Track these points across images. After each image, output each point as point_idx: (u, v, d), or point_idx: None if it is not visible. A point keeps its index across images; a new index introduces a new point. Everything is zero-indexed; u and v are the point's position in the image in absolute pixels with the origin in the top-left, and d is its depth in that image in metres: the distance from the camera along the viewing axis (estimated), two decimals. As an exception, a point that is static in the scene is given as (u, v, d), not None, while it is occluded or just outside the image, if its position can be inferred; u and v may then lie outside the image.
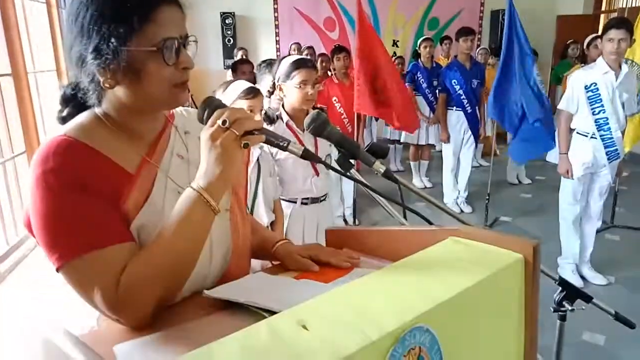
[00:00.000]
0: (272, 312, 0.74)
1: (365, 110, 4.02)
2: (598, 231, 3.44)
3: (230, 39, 7.15)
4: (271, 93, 2.15)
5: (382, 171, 0.99)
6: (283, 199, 2.15)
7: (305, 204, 2.20)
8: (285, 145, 0.85)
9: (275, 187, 2.06)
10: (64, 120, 0.93)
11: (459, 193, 4.79)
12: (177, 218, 0.81)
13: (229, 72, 5.23)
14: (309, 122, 0.98)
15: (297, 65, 2.05)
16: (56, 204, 0.78)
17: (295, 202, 2.18)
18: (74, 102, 0.94)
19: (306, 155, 0.86)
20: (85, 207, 0.79)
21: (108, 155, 0.85)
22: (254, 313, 0.78)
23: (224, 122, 0.78)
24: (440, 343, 0.63)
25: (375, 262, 1.01)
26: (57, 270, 0.80)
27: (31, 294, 1.76)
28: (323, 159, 2.16)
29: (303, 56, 2.53)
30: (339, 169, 0.95)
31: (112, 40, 0.79)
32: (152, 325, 0.80)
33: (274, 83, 2.12)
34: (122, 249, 0.80)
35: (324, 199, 2.27)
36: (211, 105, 0.85)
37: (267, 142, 0.85)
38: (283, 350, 0.54)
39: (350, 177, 0.96)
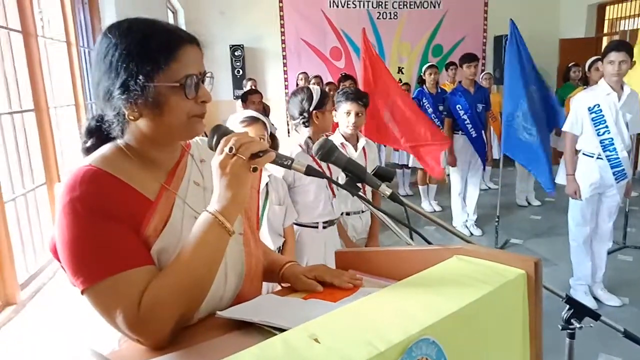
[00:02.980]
0: (283, 331, 0.77)
1: (370, 136, 4.09)
2: (610, 252, 3.41)
3: (240, 70, 7.35)
4: (307, 122, 2.21)
5: (389, 194, 1.03)
6: (304, 225, 2.20)
7: (326, 227, 2.25)
8: (289, 163, 0.91)
9: (285, 213, 2.10)
10: (87, 150, 0.99)
11: (467, 216, 4.79)
12: (194, 241, 0.85)
13: (239, 102, 5.37)
14: (318, 149, 1.03)
15: (327, 93, 2.26)
16: (82, 229, 0.83)
17: (317, 227, 2.23)
18: (97, 133, 1.00)
19: (309, 171, 0.91)
20: (109, 232, 0.84)
21: (130, 184, 0.90)
22: (266, 332, 0.82)
23: (230, 149, 0.84)
24: (446, 355, 0.66)
25: (381, 282, 1.04)
26: (82, 292, 0.84)
27: (51, 320, 1.80)
28: (336, 180, 2.23)
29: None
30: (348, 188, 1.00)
31: (140, 77, 0.86)
32: (171, 345, 0.84)
33: (309, 111, 2.19)
34: (143, 272, 0.85)
35: (337, 220, 2.33)
36: (218, 133, 0.90)
37: (272, 162, 0.90)
38: (297, 362, 0.58)
39: (360, 197, 1.00)
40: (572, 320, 1.21)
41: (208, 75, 0.95)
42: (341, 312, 0.71)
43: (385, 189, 1.03)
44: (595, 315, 1.20)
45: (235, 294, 1.01)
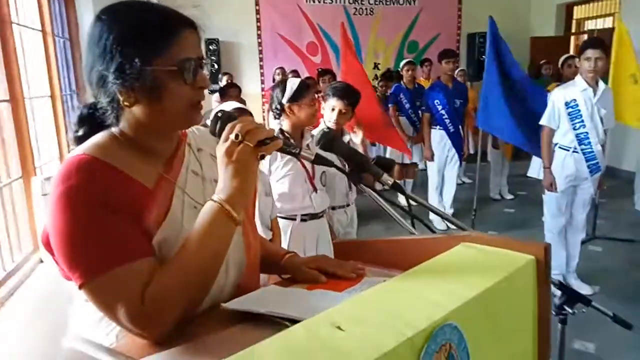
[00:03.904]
0: (293, 322, 0.75)
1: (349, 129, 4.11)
2: (581, 243, 3.53)
3: (215, 64, 7.23)
4: (279, 115, 2.20)
5: (390, 183, 1.03)
6: (282, 217, 2.18)
7: (305, 220, 2.23)
8: (297, 152, 0.89)
9: (272, 205, 2.08)
10: (79, 140, 0.95)
11: (444, 210, 4.87)
12: (200, 231, 0.82)
13: (215, 96, 5.28)
14: (320, 138, 1.02)
15: (310, 86, 2.21)
16: (79, 220, 0.79)
17: (295, 219, 2.21)
18: (90, 122, 0.95)
19: (318, 160, 0.89)
20: (108, 223, 0.81)
21: (127, 172, 0.86)
22: (272, 324, 0.79)
23: (236, 136, 0.81)
24: (467, 339, 0.65)
25: (385, 271, 1.03)
26: (80, 287, 0.80)
27: (32, 319, 1.73)
28: (319, 176, 2.22)
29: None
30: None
31: (137, 60, 0.82)
32: (173, 339, 0.81)
33: (281, 104, 2.17)
34: (146, 264, 0.81)
35: (322, 215, 2.30)
36: (222, 119, 0.87)
37: (279, 150, 0.87)
38: (324, 349, 0.56)
39: (362, 188, 1.00)
40: (564, 307, 1.24)
41: (205, 61, 0.92)
42: (359, 299, 0.70)
43: (387, 179, 1.03)
44: (587, 301, 1.24)
45: (236, 285, 0.99)
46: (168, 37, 0.84)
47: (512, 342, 0.77)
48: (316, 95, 2.26)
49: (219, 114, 0.89)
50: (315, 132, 2.56)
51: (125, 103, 0.86)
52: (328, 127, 1.03)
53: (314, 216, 2.25)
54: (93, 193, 0.81)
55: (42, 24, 2.28)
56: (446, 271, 0.79)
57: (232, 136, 0.82)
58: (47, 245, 0.86)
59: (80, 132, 0.96)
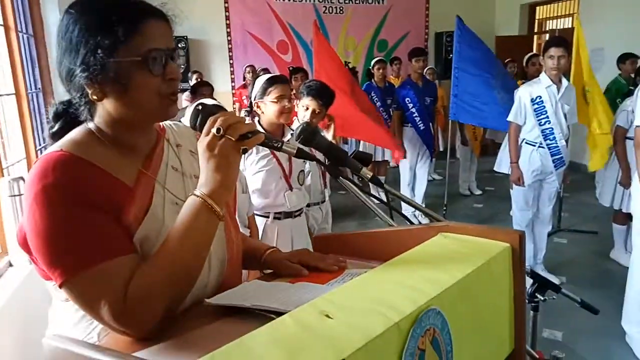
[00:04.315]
0: (278, 314, 0.76)
1: (342, 133, 4.14)
2: (547, 235, 3.67)
3: (182, 65, 7.11)
4: (249, 112, 2.19)
5: (369, 177, 1.05)
6: (257, 214, 2.17)
7: (278, 218, 2.21)
8: (279, 145, 0.89)
9: (248, 203, 2.07)
10: (55, 136, 0.93)
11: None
12: (182, 226, 0.82)
13: (184, 95, 5.20)
14: (300, 132, 1.03)
15: (273, 81, 2.14)
16: (58, 218, 0.78)
17: (268, 217, 2.20)
18: (65, 117, 0.94)
19: (300, 154, 0.90)
20: (87, 220, 0.79)
21: (105, 169, 0.85)
22: (257, 318, 0.79)
23: (218, 130, 0.81)
24: (449, 324, 0.68)
25: (365, 263, 1.04)
26: (60, 285, 0.79)
27: (2, 322, 1.68)
28: (297, 175, 2.22)
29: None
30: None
31: (99, 51, 0.80)
32: (157, 336, 0.80)
33: (250, 102, 2.17)
34: (127, 261, 0.81)
35: (299, 214, 2.29)
36: (203, 112, 0.86)
37: (262, 143, 0.88)
38: (314, 337, 0.57)
39: (341, 182, 1.01)
40: (536, 294, 1.29)
41: (178, 52, 0.91)
42: (345, 289, 0.71)
43: (366, 172, 1.05)
44: (557, 288, 1.29)
45: (218, 281, 0.99)
46: (132, 27, 0.82)
47: (491, 326, 0.80)
48: (290, 92, 2.22)
49: (199, 108, 0.88)
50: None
51: (94, 97, 0.85)
52: (307, 122, 1.03)
53: (288, 215, 2.23)
54: (71, 190, 0.79)
55: (5, 19, 2.18)
56: (426, 260, 0.81)
57: (214, 130, 0.81)
58: (24, 245, 0.84)
59: (56, 128, 0.95)
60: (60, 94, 0.97)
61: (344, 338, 0.56)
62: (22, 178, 1.86)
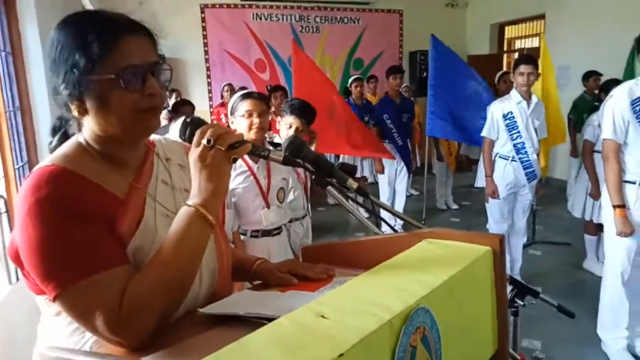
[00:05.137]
0: (271, 321, 0.78)
1: (325, 150, 4.18)
2: (522, 247, 3.76)
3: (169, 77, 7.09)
4: None
5: (355, 187, 1.09)
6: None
7: (255, 236, 2.20)
8: (266, 154, 0.92)
9: (233, 218, 2.08)
10: (54, 150, 0.94)
11: (395, 221, 5.01)
12: (176, 236, 0.84)
13: (163, 113, 5.19)
14: (287, 145, 1.06)
15: (243, 96, 2.15)
16: (51, 231, 0.78)
17: (245, 234, 2.19)
18: (60, 132, 0.96)
19: (287, 161, 0.93)
20: (80, 233, 0.80)
21: (97, 182, 0.86)
22: (255, 324, 0.80)
23: (208, 140, 0.84)
24: (437, 322, 0.71)
25: (352, 271, 1.07)
26: (55, 298, 0.79)
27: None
28: (276, 192, 2.23)
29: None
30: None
31: (75, 70, 0.83)
32: (151, 346, 0.81)
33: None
34: (121, 272, 0.82)
35: (277, 233, 2.28)
36: (192, 125, 0.89)
37: (249, 152, 0.91)
38: (311, 336, 0.60)
39: (328, 191, 1.04)
40: (515, 299, 1.34)
41: (162, 66, 0.91)
42: (337, 292, 0.74)
43: (352, 183, 1.09)
44: (535, 293, 1.34)
45: (210, 292, 1.00)
46: (107, 44, 0.83)
47: (475, 327, 0.84)
48: (262, 109, 2.21)
49: (188, 120, 0.91)
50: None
51: (76, 112, 0.87)
52: (295, 135, 1.07)
53: (266, 233, 2.22)
54: (64, 203, 0.80)
55: (-17, 37, 2.17)
56: (413, 264, 0.84)
57: (204, 141, 0.84)
58: (17, 260, 0.84)
59: (54, 143, 0.98)
60: (39, 112, 1.00)
61: (340, 335, 0.59)
62: (1, 196, 1.83)
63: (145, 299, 0.81)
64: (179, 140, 0.97)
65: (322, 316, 0.64)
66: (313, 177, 1.08)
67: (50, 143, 0.96)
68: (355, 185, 1.09)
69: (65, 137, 0.94)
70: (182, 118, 0.98)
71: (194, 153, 0.85)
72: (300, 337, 0.60)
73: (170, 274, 0.83)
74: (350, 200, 1.11)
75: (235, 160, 0.87)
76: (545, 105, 3.54)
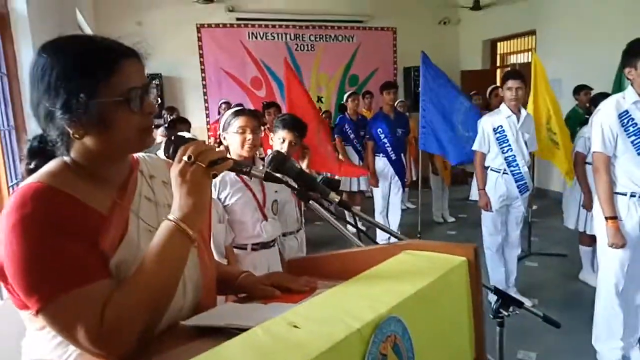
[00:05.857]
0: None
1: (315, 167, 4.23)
2: (518, 259, 3.77)
3: (158, 99, 7.16)
4: (219, 145, 2.23)
5: (337, 200, 1.11)
6: (233, 246, 2.19)
7: (256, 249, 2.23)
8: (247, 170, 0.95)
9: (226, 233, 2.09)
10: (31, 172, 0.96)
11: (389, 238, 5.02)
12: (156, 250, 0.86)
13: (159, 131, 5.23)
14: (270, 160, 1.09)
15: (236, 113, 2.20)
16: (35, 246, 0.80)
17: (246, 248, 2.22)
18: (41, 154, 0.97)
19: (268, 177, 0.95)
20: (64, 248, 0.82)
21: (80, 199, 0.88)
22: (232, 336, 0.83)
23: (189, 157, 0.86)
24: (410, 331, 0.73)
25: (334, 283, 1.08)
26: (37, 312, 0.81)
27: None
28: (270, 204, 2.26)
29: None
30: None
31: (81, 94, 0.85)
32: (134, 358, 0.83)
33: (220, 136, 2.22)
34: (103, 285, 0.83)
35: (273, 245, 2.32)
36: (176, 142, 0.93)
37: (231, 169, 0.94)
38: (282, 344, 0.62)
39: (310, 205, 1.07)
40: (500, 310, 1.35)
41: (152, 86, 0.96)
42: (311, 302, 0.76)
43: (334, 197, 1.11)
44: (519, 303, 1.35)
45: (194, 305, 1.02)
46: (109, 68, 0.87)
47: (451, 335, 0.86)
48: (255, 125, 2.25)
49: (173, 138, 0.94)
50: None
51: (76, 136, 0.89)
52: (277, 150, 1.10)
53: (265, 245, 2.26)
54: (48, 220, 0.82)
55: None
56: (388, 275, 0.87)
57: (185, 157, 0.87)
58: (1, 275, 0.86)
59: (32, 165, 0.97)
60: (34, 131, 1.01)
61: (310, 344, 0.61)
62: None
63: (127, 312, 0.82)
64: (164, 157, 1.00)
65: (295, 326, 0.66)
66: (295, 192, 1.11)
67: (28, 164, 0.97)
68: (337, 198, 1.11)
69: (46, 158, 0.95)
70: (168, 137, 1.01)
71: (175, 169, 0.88)
72: (272, 346, 0.62)
73: (151, 287, 0.85)
74: (334, 217, 1.13)
75: (215, 176, 0.90)
76: (549, 118, 3.57)
